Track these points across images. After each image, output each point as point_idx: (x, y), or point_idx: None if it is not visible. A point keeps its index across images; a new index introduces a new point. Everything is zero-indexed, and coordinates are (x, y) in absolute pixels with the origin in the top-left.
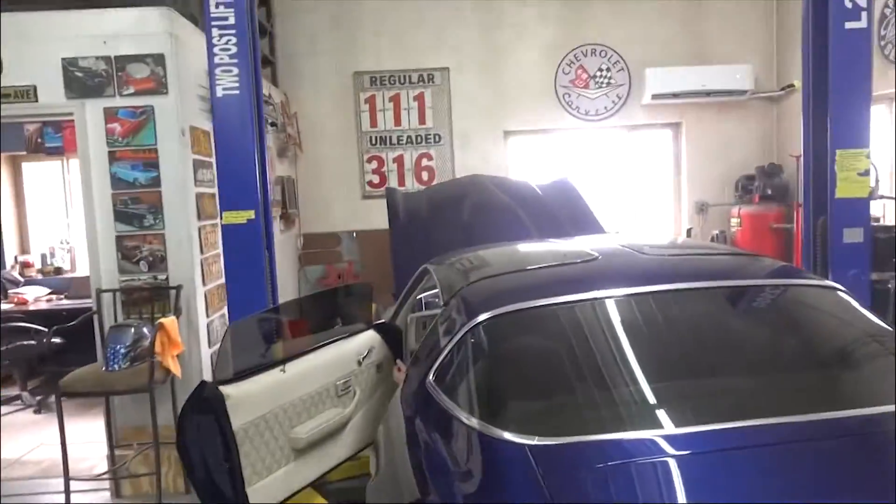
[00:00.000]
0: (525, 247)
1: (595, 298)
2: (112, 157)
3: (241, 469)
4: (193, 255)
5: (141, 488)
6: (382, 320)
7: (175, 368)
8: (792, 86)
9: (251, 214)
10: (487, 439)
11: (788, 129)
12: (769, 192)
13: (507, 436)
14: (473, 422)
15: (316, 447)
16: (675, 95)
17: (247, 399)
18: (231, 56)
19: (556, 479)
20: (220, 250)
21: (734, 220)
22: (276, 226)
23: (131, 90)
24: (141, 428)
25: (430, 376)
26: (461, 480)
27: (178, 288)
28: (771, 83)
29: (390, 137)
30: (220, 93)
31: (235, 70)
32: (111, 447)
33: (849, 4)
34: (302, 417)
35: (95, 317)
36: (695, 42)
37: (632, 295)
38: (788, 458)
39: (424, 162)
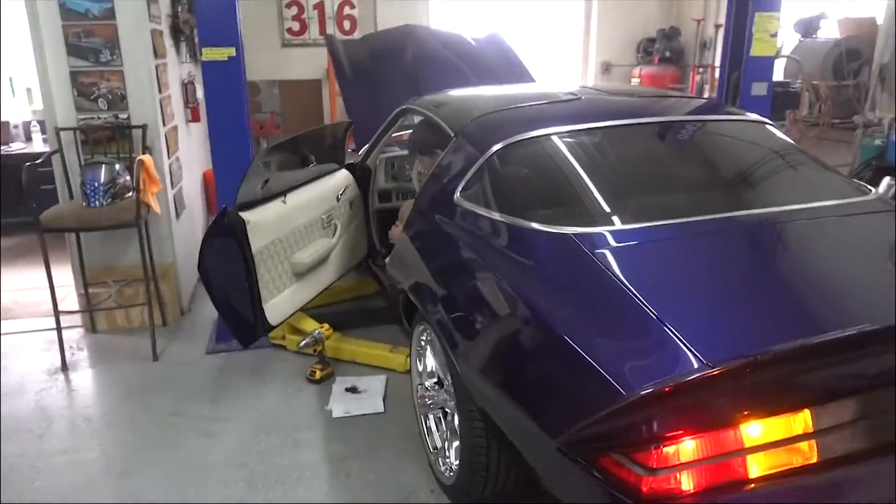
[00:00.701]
0: (503, 89)
1: (593, 128)
2: None
3: (259, 288)
4: (154, 93)
5: (116, 323)
6: (352, 161)
7: (155, 205)
8: None
9: (232, 51)
10: (528, 231)
11: None
12: (668, 54)
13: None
14: (518, 220)
15: (310, 272)
16: None
17: (262, 225)
18: None
19: (603, 255)
20: (171, 91)
21: (635, 80)
22: None
23: None
24: (111, 267)
25: (457, 193)
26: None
27: (144, 127)
28: None
29: None
30: None
31: None
32: (84, 285)
33: None
34: (300, 244)
35: (57, 157)
36: None
37: (616, 126)
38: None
39: (346, 10)
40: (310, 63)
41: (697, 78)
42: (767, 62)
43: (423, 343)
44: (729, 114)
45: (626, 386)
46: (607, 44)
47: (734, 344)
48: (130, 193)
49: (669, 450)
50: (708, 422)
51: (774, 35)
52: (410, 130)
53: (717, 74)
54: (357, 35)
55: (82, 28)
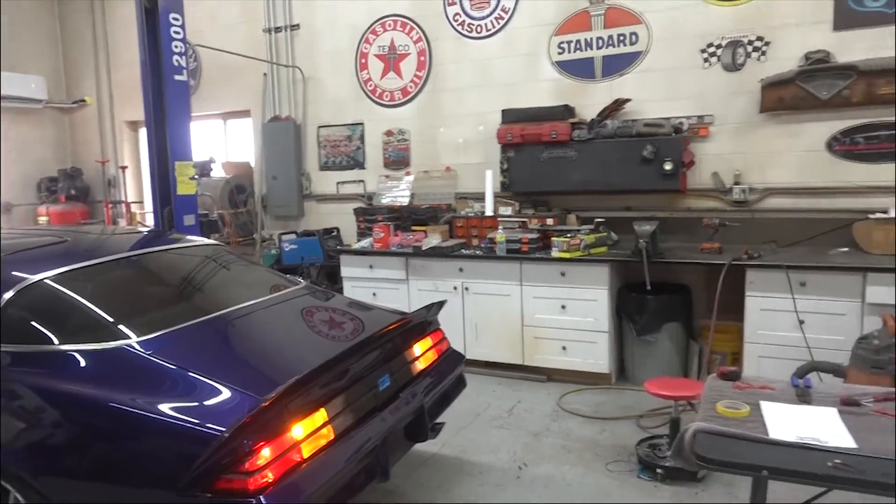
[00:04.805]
0: None
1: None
2: None
3: None
4: None
5: None
6: None
7: None
8: (84, 101)
9: None
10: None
11: (82, 137)
12: (73, 192)
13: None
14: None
15: None
16: None
17: None
18: None
19: (153, 354)
20: None
21: (42, 219)
22: None
23: None
24: None
25: None
26: None
27: None
28: (61, 95)
29: None
30: None
31: None
32: None
33: (176, 64)
34: None
35: None
36: None
37: (113, 260)
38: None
39: None
40: None
41: (112, 212)
42: (191, 199)
43: None
44: (188, 241)
45: (219, 429)
46: (7, 185)
47: (268, 384)
48: None
49: (257, 458)
50: (273, 433)
51: (192, 178)
52: None
53: (131, 209)
54: None
55: None
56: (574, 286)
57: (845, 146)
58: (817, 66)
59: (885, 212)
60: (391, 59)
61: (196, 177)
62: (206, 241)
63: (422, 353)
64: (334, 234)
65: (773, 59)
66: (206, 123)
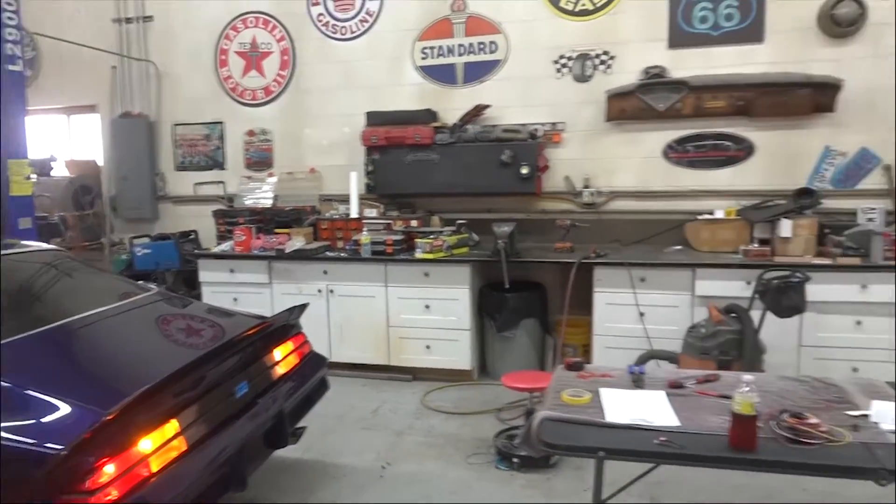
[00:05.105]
0: None
1: None
2: None
3: None
4: None
5: None
6: None
7: None
8: None
9: None
10: None
11: None
12: None
13: None
14: None
15: None
16: None
17: None
18: None
19: None
20: None
21: None
22: None
23: None
24: None
25: None
26: None
27: None
28: None
29: None
30: None
31: None
32: None
33: (10, 53)
34: None
35: None
36: None
37: None
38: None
39: None
40: None
41: None
42: (27, 200)
43: None
44: (23, 247)
45: (57, 447)
46: None
47: (113, 396)
48: None
49: (99, 476)
50: (118, 448)
51: (28, 178)
52: None
53: None
54: None
55: None
56: (437, 286)
57: (678, 154)
58: (654, 80)
59: (711, 213)
60: (253, 57)
61: (33, 176)
62: (44, 246)
63: (282, 357)
64: (192, 237)
65: (617, 72)
66: (46, 119)
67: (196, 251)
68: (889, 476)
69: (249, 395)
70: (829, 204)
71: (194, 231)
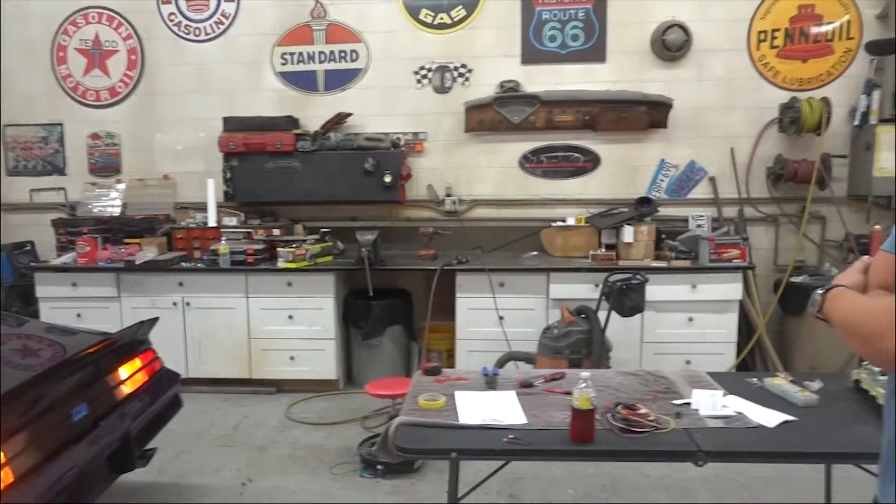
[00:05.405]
0: None
1: None
2: None
3: None
4: None
5: None
6: None
7: None
8: None
9: None
10: None
11: None
12: None
13: None
14: None
15: None
16: None
17: None
18: None
19: None
20: None
21: None
22: None
23: None
24: None
25: None
26: None
27: None
28: None
29: None
30: None
31: None
32: None
33: None
34: None
35: None
36: None
37: None
38: None
39: None
40: None
41: None
42: None
43: None
44: None
45: None
46: None
47: None
48: None
49: None
50: None
51: None
52: None
53: None
54: None
55: None
56: (301, 296)
57: (533, 164)
58: (509, 93)
59: (563, 220)
60: (96, 55)
61: None
62: None
63: (129, 375)
64: (28, 248)
65: (475, 84)
66: None
67: (33, 264)
68: (705, 458)
69: (90, 417)
70: (665, 212)
71: (31, 242)
